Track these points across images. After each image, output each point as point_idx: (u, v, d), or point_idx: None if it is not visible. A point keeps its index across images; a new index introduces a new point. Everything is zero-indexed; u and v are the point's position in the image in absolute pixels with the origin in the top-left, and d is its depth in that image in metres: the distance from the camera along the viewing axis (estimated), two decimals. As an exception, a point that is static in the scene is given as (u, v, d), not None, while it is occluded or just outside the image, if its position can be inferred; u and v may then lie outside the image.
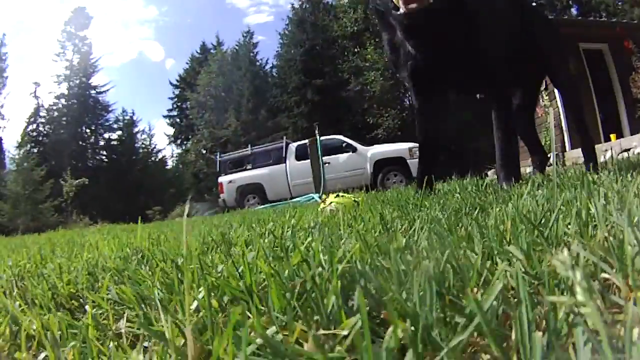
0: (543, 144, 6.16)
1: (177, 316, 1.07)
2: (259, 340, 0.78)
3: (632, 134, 13.40)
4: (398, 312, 0.89)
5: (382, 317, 0.92)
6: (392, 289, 0.98)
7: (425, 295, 0.91)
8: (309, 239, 1.90)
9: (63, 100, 58.62)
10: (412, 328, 0.83)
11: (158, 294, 1.41)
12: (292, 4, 58.43)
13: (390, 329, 0.75)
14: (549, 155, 6.23)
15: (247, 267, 1.28)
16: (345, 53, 52.28)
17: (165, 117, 69.33)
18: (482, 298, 0.83)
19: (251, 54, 61.32)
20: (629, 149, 5.66)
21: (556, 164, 5.54)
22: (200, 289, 1.40)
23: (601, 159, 9.58)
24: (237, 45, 63.27)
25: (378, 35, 49.60)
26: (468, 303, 0.90)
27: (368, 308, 0.91)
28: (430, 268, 1.01)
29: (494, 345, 0.72)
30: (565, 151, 15.58)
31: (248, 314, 1.10)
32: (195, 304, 1.22)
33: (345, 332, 0.84)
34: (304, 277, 1.10)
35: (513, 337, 0.78)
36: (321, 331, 0.88)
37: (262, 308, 1.01)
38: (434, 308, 0.90)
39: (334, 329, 0.91)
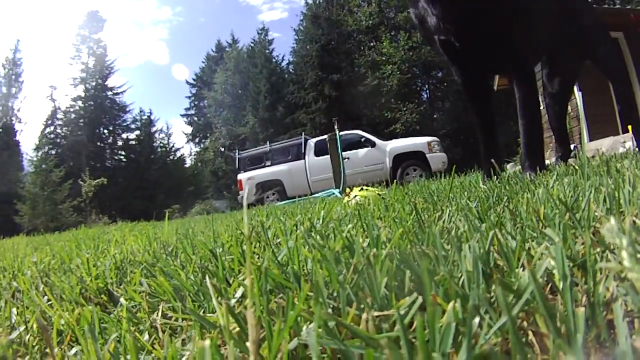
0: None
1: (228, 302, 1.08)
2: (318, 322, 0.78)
3: (647, 125, 13.25)
4: (447, 293, 0.90)
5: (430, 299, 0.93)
6: (440, 270, 0.99)
7: (473, 275, 0.92)
8: (347, 225, 1.91)
9: (80, 102, 58.87)
10: (462, 309, 0.84)
11: (194, 286, 1.41)
12: (306, 0, 58.44)
13: (450, 305, 0.75)
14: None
15: (295, 252, 1.28)
16: (361, 47, 52.25)
17: (182, 115, 69.77)
18: (533, 270, 0.83)
19: (267, 51, 61.35)
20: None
21: (576, 155, 5.43)
22: (241, 276, 1.41)
23: (620, 150, 9.49)
24: (252, 43, 63.45)
25: (393, 28, 49.64)
26: (516, 281, 0.91)
27: (416, 292, 0.92)
28: (476, 248, 1.02)
29: (546, 317, 0.73)
30: (585, 142, 15.40)
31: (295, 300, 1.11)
32: (240, 291, 1.23)
33: (401, 312, 0.84)
34: (354, 260, 1.11)
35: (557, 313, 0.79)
36: (375, 313, 0.88)
37: (310, 294, 1.01)
38: (482, 287, 0.91)
39: (387, 311, 0.91)
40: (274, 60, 61.42)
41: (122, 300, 1.55)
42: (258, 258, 1.73)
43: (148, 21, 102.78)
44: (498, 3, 3.93)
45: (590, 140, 15.41)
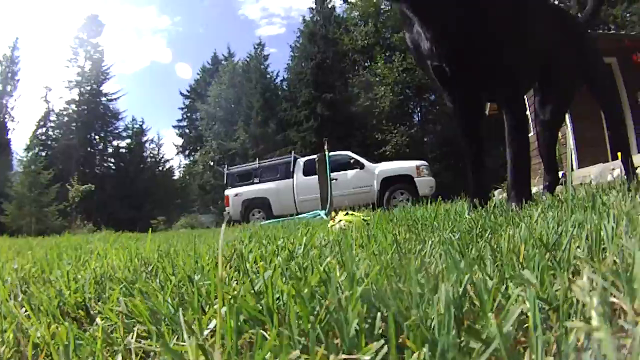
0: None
1: (198, 336, 1.08)
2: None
3: (639, 152, 13.30)
4: (417, 336, 0.90)
5: (400, 341, 0.93)
6: (412, 314, 1.00)
7: (444, 320, 0.92)
8: (326, 258, 1.90)
9: (73, 106, 58.93)
10: (430, 353, 0.84)
11: (171, 309, 1.40)
12: (304, 16, 58.74)
13: (415, 355, 0.76)
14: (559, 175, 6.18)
15: (269, 286, 1.28)
16: (356, 67, 52.51)
17: (174, 127, 69.77)
18: (500, 323, 0.83)
19: (262, 66, 61.54)
20: (636, 167, 5.65)
21: (566, 184, 5.42)
22: (217, 306, 1.40)
23: (608, 178, 9.53)
24: (248, 57, 63.68)
25: (389, 48, 49.89)
26: (485, 329, 0.91)
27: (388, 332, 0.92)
28: (450, 292, 1.02)
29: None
30: (573, 170, 15.45)
31: (265, 334, 1.11)
32: (213, 323, 1.23)
33: (367, 358, 0.85)
34: (328, 300, 1.11)
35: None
36: (342, 356, 0.89)
37: (282, 330, 1.01)
38: (452, 333, 0.91)
39: (356, 353, 0.92)
40: (268, 76, 61.59)
41: (97, 319, 1.54)
42: (237, 284, 1.73)
43: (147, 29, 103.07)
44: (491, 30, 3.93)
45: (579, 166, 15.47)
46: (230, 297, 1.27)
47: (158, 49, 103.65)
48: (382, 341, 0.89)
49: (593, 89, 5.48)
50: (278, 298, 1.33)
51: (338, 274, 1.38)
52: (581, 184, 6.99)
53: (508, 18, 4.04)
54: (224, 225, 1.17)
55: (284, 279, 1.48)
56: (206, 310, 1.38)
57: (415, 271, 1.23)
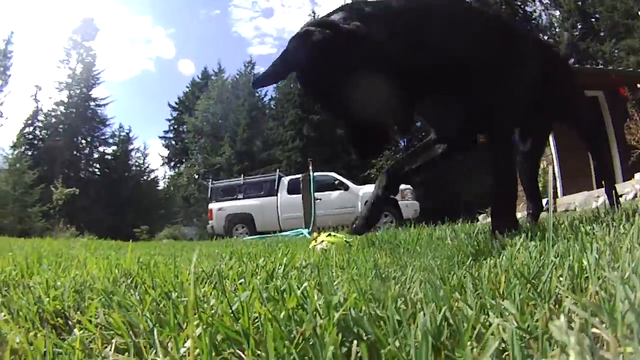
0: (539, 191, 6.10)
1: (173, 355, 1.07)
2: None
3: (624, 181, 13.51)
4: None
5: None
6: (389, 342, 0.99)
7: (421, 349, 0.91)
8: (304, 281, 1.90)
9: (62, 108, 58.87)
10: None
11: (148, 323, 1.39)
12: (295, 38, 58.97)
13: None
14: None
15: (245, 308, 1.27)
16: (344, 90, 52.63)
17: (161, 137, 69.74)
18: (478, 355, 0.83)
19: (251, 84, 61.53)
20: (620, 195, 5.72)
21: (551, 213, 5.39)
22: (194, 325, 1.39)
23: (593, 205, 9.60)
24: (238, 74, 63.82)
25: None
26: (464, 359, 0.91)
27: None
28: (427, 321, 1.02)
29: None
30: (557, 197, 15.59)
31: (242, 354, 1.10)
32: (189, 342, 1.21)
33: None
34: (304, 326, 1.11)
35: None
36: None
37: (258, 352, 1.00)
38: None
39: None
40: (257, 94, 61.75)
41: (75, 331, 1.53)
42: (215, 301, 1.72)
43: (141, 38, 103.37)
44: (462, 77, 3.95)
45: (564, 194, 15.60)
46: (207, 316, 1.26)
47: (148, 60, 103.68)
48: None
49: (573, 125, 5.51)
50: (256, 319, 1.32)
51: (315, 299, 1.37)
52: (566, 210, 7.05)
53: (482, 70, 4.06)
54: (194, 256, 1.17)
55: (262, 300, 1.47)
56: (184, 327, 1.36)
57: (394, 298, 1.22)
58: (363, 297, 1.41)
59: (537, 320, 1.13)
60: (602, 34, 41.14)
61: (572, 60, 41.99)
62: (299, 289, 1.45)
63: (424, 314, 1.07)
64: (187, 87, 71.32)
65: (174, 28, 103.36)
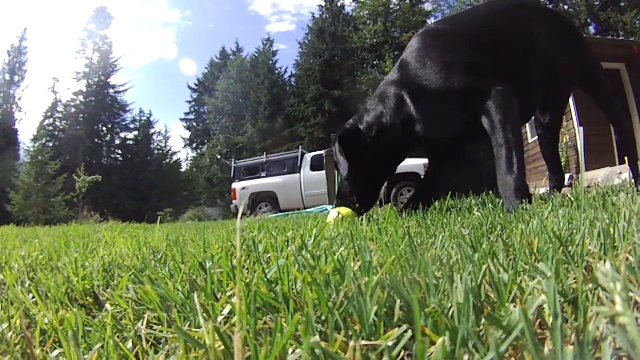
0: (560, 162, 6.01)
1: (214, 321, 1.07)
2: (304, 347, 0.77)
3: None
4: (438, 324, 0.89)
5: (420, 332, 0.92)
6: (431, 301, 0.99)
7: (463, 308, 0.91)
8: (339, 248, 1.90)
9: (81, 97, 59.09)
10: (451, 341, 0.83)
11: (182, 296, 1.40)
12: (313, 13, 58.71)
13: (440, 340, 0.75)
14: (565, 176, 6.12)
15: (285, 272, 1.27)
16: (364, 65, 52.33)
17: (182, 119, 69.94)
18: (525, 309, 0.82)
19: (270, 62, 61.63)
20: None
21: (574, 185, 5.29)
22: (229, 293, 1.39)
23: (616, 181, 9.49)
24: (256, 53, 63.67)
25: (397, 47, 49.71)
26: (505, 317, 0.91)
27: (405, 322, 0.91)
28: (467, 280, 1.01)
29: (534, 354, 0.72)
30: (580, 172, 15.29)
31: (283, 322, 1.10)
32: (227, 309, 1.22)
33: (389, 343, 0.84)
34: (345, 286, 1.10)
35: (546, 350, 0.79)
36: (363, 342, 0.88)
37: (299, 317, 1.00)
38: (472, 321, 0.90)
39: (374, 339, 0.91)
40: (276, 71, 61.71)
41: (107, 305, 1.54)
42: (247, 272, 1.72)
43: (156, 22, 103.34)
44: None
45: (586, 170, 15.45)
46: (243, 283, 1.26)
47: (167, 43, 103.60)
48: (405, 327, 0.88)
49: (593, 97, 5.40)
50: (292, 286, 1.32)
51: (352, 264, 1.37)
52: (588, 186, 6.97)
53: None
54: (241, 207, 1.16)
55: (297, 267, 1.47)
56: (219, 297, 1.36)
57: (431, 261, 1.22)
58: (399, 262, 1.41)
59: (573, 282, 1.13)
60: (622, 4, 40.33)
61: (593, 31, 41.65)
62: (334, 255, 1.45)
63: (462, 276, 1.07)
64: (205, 67, 71.41)
65: (189, 10, 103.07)
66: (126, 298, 1.52)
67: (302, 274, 1.26)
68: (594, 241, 1.52)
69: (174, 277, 1.69)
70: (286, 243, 2.39)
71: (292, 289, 1.31)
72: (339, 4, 57.22)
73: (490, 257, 1.48)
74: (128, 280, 1.76)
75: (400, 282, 1.12)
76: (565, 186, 5.98)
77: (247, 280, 1.39)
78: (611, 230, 1.54)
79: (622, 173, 10.46)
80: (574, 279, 1.16)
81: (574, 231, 1.69)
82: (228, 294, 1.38)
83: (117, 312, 1.48)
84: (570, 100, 15.74)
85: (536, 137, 22.80)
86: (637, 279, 1.04)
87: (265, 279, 1.34)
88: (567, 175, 16.36)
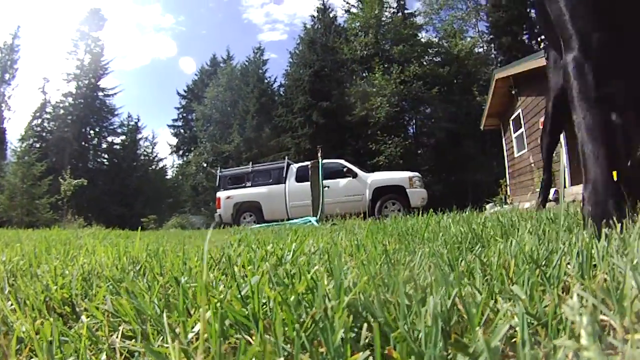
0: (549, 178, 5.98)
1: (181, 339, 1.07)
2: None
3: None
4: (404, 348, 0.89)
5: (386, 352, 0.92)
6: (398, 326, 0.99)
7: (431, 333, 0.91)
8: (313, 266, 1.90)
9: (70, 99, 58.71)
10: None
11: (157, 310, 1.40)
12: (305, 24, 58.99)
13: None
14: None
15: (255, 292, 1.27)
16: (354, 77, 52.52)
17: (169, 126, 70.05)
18: (488, 339, 0.83)
19: (260, 71, 61.84)
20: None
21: (559, 200, 5.22)
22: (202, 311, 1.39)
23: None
24: (247, 61, 63.79)
25: (387, 60, 49.95)
26: (473, 342, 0.91)
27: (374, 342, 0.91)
28: (438, 305, 1.02)
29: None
30: (565, 187, 15.56)
31: (250, 340, 1.10)
32: (198, 326, 1.21)
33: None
34: (314, 309, 1.11)
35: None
36: (327, 365, 0.88)
37: (267, 336, 1.00)
38: (439, 346, 0.91)
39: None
40: (266, 80, 61.97)
41: (83, 317, 1.53)
42: (224, 287, 1.72)
43: (150, 27, 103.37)
44: None
45: (572, 184, 15.56)
46: (216, 300, 1.26)
47: (159, 47, 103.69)
48: (368, 352, 0.88)
49: None
50: (265, 304, 1.32)
51: (326, 282, 1.38)
52: (574, 200, 6.98)
53: None
54: (210, 231, 1.16)
55: (271, 285, 1.47)
56: (192, 313, 1.37)
57: (404, 282, 1.22)
58: (373, 282, 1.41)
59: (546, 306, 1.13)
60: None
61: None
62: (308, 273, 1.45)
63: (434, 299, 1.07)
64: (195, 74, 71.52)
65: (183, 16, 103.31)
66: (103, 310, 1.52)
67: (274, 293, 1.26)
68: (573, 261, 1.52)
69: (151, 290, 1.68)
70: (263, 258, 2.39)
71: (265, 307, 1.31)
72: (331, 15, 57.60)
73: (468, 276, 1.48)
74: (106, 291, 1.76)
75: (371, 303, 1.13)
76: (551, 200, 6.00)
77: (221, 296, 1.39)
78: (592, 249, 1.55)
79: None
80: (550, 301, 1.16)
81: (553, 252, 1.70)
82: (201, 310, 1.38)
83: (94, 323, 1.48)
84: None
85: (524, 151, 22.90)
86: (613, 302, 1.04)
87: (240, 296, 1.34)
88: (552, 190, 16.54)
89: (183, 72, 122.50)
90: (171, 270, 2.04)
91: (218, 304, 1.23)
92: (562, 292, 1.32)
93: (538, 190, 5.89)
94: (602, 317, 0.99)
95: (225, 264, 2.24)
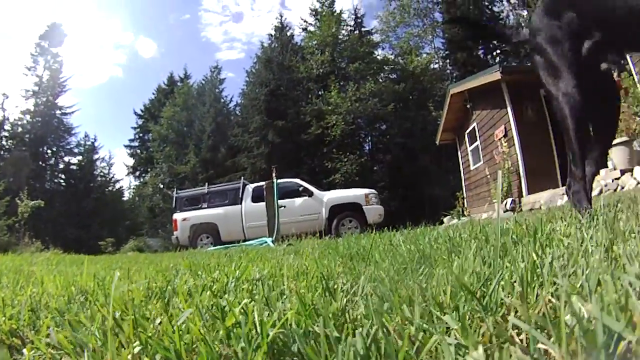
0: (501, 189, 6.05)
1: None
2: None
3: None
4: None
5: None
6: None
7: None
8: (254, 294, 1.90)
9: (28, 117, 57.88)
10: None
11: (98, 342, 1.39)
12: (262, 42, 59.12)
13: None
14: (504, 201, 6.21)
15: (177, 331, 1.27)
16: (309, 95, 52.67)
17: (126, 146, 69.44)
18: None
19: (217, 90, 61.82)
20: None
21: (514, 209, 5.29)
22: (135, 344, 1.39)
23: (558, 202, 9.69)
24: (204, 80, 63.64)
25: (343, 78, 50.21)
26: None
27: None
28: (358, 342, 1.02)
29: None
30: (522, 196, 15.78)
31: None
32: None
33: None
34: (233, 347, 1.10)
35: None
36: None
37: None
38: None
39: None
40: (222, 100, 62.03)
41: (24, 351, 1.53)
42: (162, 315, 1.71)
43: (109, 44, 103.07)
44: None
45: (529, 193, 15.75)
46: (146, 336, 1.26)
47: (117, 65, 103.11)
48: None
49: None
50: (194, 339, 1.32)
51: (254, 316, 1.37)
52: (531, 209, 7.09)
53: None
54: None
55: (202, 319, 1.47)
56: (126, 347, 1.36)
57: (335, 314, 1.22)
58: (306, 313, 1.41)
59: (482, 336, 1.14)
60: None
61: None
62: (239, 305, 1.45)
63: (361, 332, 1.07)
64: (153, 94, 71.05)
65: (142, 34, 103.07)
66: (46, 342, 1.51)
67: (196, 328, 1.26)
68: (518, 280, 1.53)
69: (93, 321, 1.67)
70: (205, 287, 2.38)
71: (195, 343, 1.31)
72: (288, 34, 57.82)
73: (407, 302, 1.49)
74: (51, 322, 1.75)
75: (297, 336, 1.13)
76: (508, 210, 6.07)
77: (155, 331, 1.39)
78: (537, 268, 1.57)
79: (564, 195, 10.75)
80: (485, 331, 1.17)
81: (491, 277, 1.70)
82: (135, 344, 1.38)
83: (38, 355, 1.49)
84: (513, 126, 16.13)
85: (479, 163, 23.22)
86: (552, 328, 1.05)
87: (172, 331, 1.33)
88: (509, 200, 16.77)
89: (141, 91, 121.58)
90: (115, 301, 2.03)
91: (149, 340, 1.23)
92: (502, 318, 1.32)
93: (499, 200, 5.92)
94: (540, 345, 0.99)
95: (168, 293, 2.23)
